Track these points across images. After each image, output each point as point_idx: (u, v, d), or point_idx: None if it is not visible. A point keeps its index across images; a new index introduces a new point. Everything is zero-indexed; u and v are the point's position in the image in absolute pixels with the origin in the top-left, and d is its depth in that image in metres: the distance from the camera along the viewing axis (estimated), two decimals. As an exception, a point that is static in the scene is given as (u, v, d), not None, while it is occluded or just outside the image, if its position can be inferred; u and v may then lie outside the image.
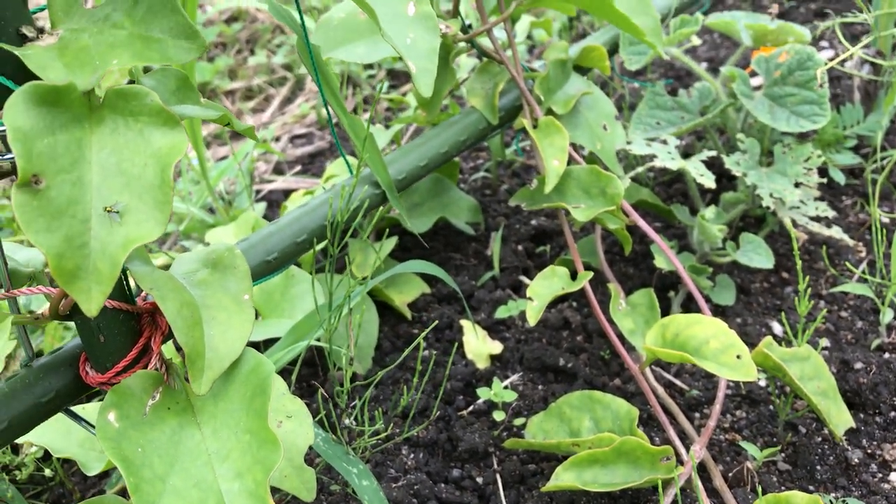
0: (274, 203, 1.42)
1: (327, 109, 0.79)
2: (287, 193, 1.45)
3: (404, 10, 0.64)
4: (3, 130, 0.48)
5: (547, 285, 0.80)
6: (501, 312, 0.99)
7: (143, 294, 0.63)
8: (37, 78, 0.46)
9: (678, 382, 0.92)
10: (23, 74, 0.47)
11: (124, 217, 0.45)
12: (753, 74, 1.16)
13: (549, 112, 0.92)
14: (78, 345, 0.61)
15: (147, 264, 0.58)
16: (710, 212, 0.93)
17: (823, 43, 1.53)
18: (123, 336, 0.58)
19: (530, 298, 0.79)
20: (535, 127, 0.89)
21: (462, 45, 0.92)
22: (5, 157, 0.50)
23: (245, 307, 0.60)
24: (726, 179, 1.17)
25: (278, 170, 1.55)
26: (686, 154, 1.23)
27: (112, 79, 0.51)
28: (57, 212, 0.44)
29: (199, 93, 0.62)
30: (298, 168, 1.55)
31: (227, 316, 0.59)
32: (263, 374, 0.57)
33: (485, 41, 0.96)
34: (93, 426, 0.59)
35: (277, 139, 1.66)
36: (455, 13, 0.90)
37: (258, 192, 1.45)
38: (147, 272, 0.57)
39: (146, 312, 0.60)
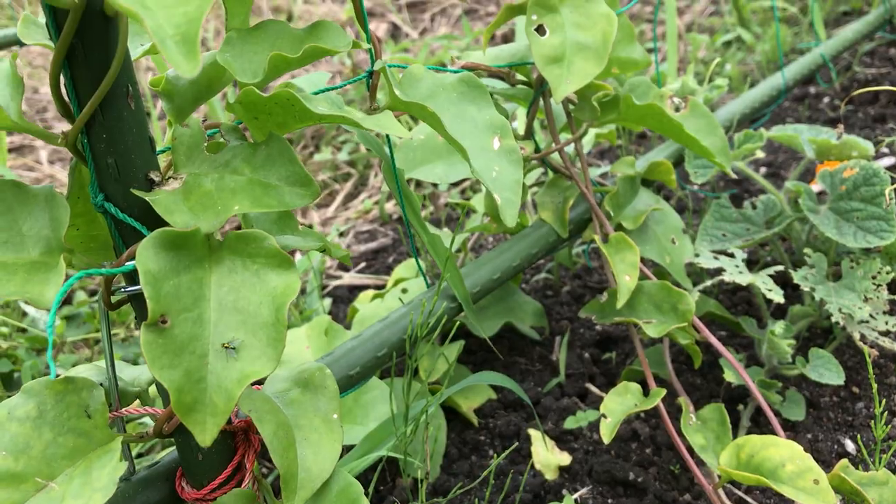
0: (339, 299, 1.45)
1: (408, 227, 0.83)
2: (352, 289, 1.49)
3: (490, 144, 0.67)
4: (127, 267, 0.52)
5: (620, 402, 0.81)
6: (570, 423, 1.00)
7: (235, 410, 0.66)
8: (163, 220, 0.50)
9: (749, 500, 0.91)
10: (151, 217, 0.51)
11: (240, 353, 0.48)
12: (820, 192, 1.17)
13: (619, 227, 0.95)
14: (174, 459, 0.64)
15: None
16: (779, 327, 0.94)
17: (884, 149, 1.54)
18: (219, 453, 0.61)
19: (604, 415, 0.80)
20: (605, 242, 0.91)
21: (534, 162, 0.96)
22: (127, 289, 0.54)
23: (334, 427, 0.63)
24: (790, 288, 1.18)
25: (343, 265, 1.59)
26: (750, 261, 1.25)
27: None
28: (179, 348, 0.47)
29: (296, 219, 0.66)
30: (363, 264, 1.59)
31: (318, 436, 0.61)
32: (353, 495, 0.59)
33: (554, 156, 0.99)
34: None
35: (343, 234, 1.71)
36: (528, 135, 0.94)
37: (324, 287, 1.49)
38: (246, 393, 0.60)
39: (241, 430, 0.63)
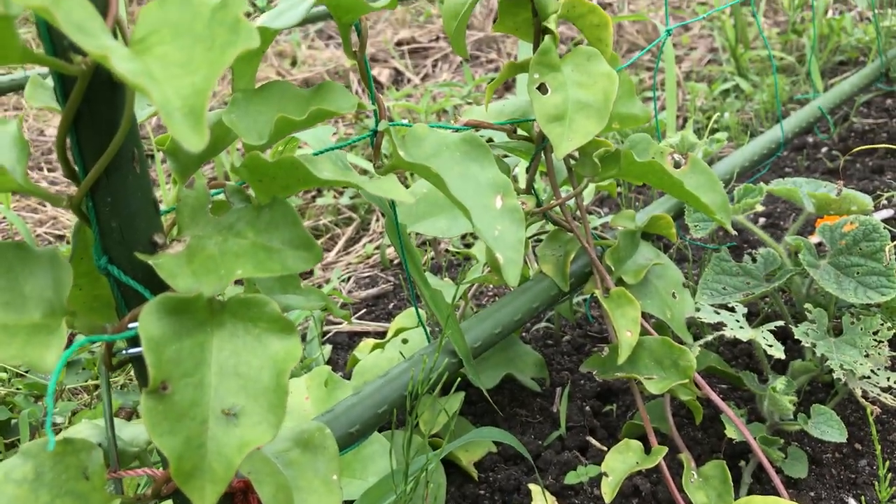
0: (339, 346, 1.45)
1: (410, 281, 0.83)
2: (352, 336, 1.49)
3: (493, 203, 0.68)
4: (128, 331, 0.52)
5: (622, 460, 0.81)
6: (571, 478, 0.99)
7: (234, 469, 0.65)
8: (166, 284, 0.50)
9: (752, 559, 0.89)
10: (154, 279, 0.51)
11: (240, 419, 0.48)
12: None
13: (620, 281, 0.95)
14: (172, 519, 0.63)
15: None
16: (780, 384, 0.94)
17: (883, 201, 1.55)
18: (217, 515, 0.60)
19: (605, 473, 0.79)
20: (606, 296, 0.91)
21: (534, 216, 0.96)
22: (128, 351, 0.54)
23: (333, 489, 0.62)
24: (791, 340, 1.17)
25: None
26: (750, 312, 1.24)
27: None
28: (179, 415, 0.47)
29: (298, 277, 0.66)
30: (364, 310, 1.58)
31: (317, 498, 0.61)
32: (351, 561, 0.58)
33: (555, 209, 1.00)
34: None
35: (344, 280, 1.71)
36: (529, 189, 0.95)
37: (324, 333, 1.48)
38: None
39: (239, 491, 0.62)
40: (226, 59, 0.41)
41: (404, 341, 1.11)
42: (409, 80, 3.00)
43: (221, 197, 0.57)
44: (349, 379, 1.16)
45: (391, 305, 1.60)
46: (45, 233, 1.97)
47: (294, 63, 3.06)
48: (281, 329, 0.50)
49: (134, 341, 0.54)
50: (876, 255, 1.01)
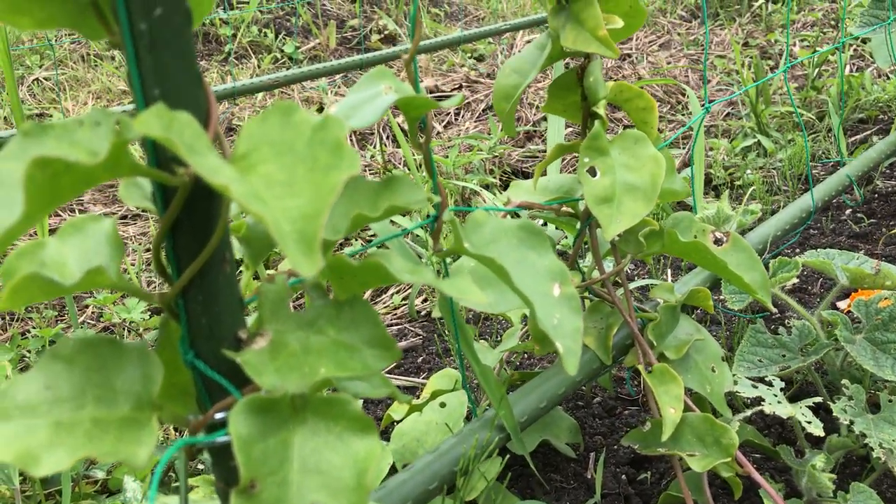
0: (371, 400, 1.46)
1: (460, 357, 0.84)
2: (382, 392, 1.50)
3: (551, 291, 0.70)
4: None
5: (666, 540, 0.81)
6: (610, 551, 1.00)
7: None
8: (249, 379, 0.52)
9: None
10: (238, 373, 0.53)
11: (322, 517, 0.50)
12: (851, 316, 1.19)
13: (661, 356, 0.97)
14: None
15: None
16: (819, 461, 0.95)
17: (910, 267, 1.56)
18: None
19: (651, 554, 0.80)
20: (649, 372, 0.93)
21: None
22: (213, 443, 0.55)
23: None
24: (824, 411, 1.18)
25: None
26: (783, 379, 1.25)
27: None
28: (266, 512, 0.49)
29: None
30: (392, 364, 1.60)
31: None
32: None
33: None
34: None
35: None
36: (573, 265, 0.97)
37: (354, 389, 1.49)
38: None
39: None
40: (330, 182, 0.44)
41: (442, 405, 1.13)
42: (432, 128, 3.03)
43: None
44: (384, 438, 1.18)
45: (420, 359, 1.62)
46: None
47: (321, 110, 3.10)
48: (361, 428, 0.51)
49: (212, 429, 0.56)
50: (912, 332, 1.02)
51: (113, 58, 3.59)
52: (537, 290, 0.69)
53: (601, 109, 0.88)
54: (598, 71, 0.87)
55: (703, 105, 1.16)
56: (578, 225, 0.97)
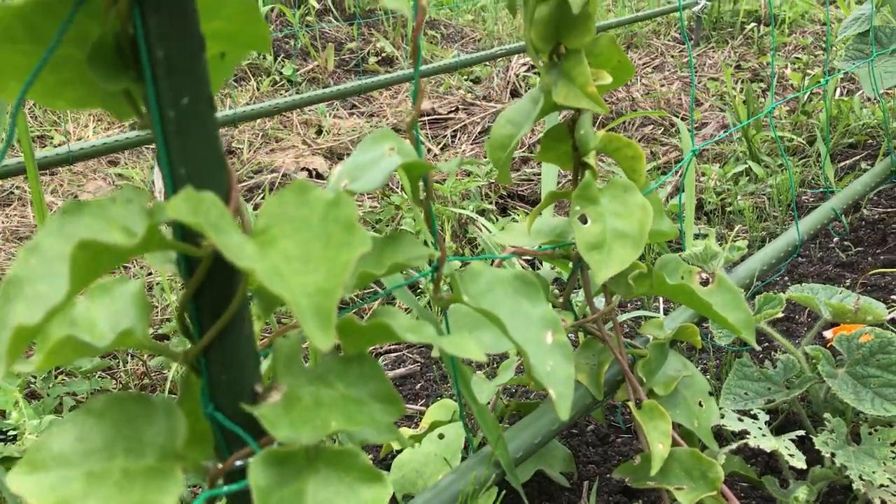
0: (370, 429, 1.50)
1: (458, 396, 0.89)
2: (381, 418, 1.54)
3: (544, 339, 0.74)
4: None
5: (655, 571, 0.86)
6: (602, 579, 1.04)
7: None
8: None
9: None
10: (255, 425, 0.58)
11: (334, 561, 0.54)
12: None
13: (651, 392, 1.01)
14: None
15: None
16: (802, 493, 0.99)
17: (894, 296, 1.61)
18: None
19: (640, 585, 0.84)
20: (639, 408, 0.97)
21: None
22: (230, 490, 0.60)
23: None
24: (808, 440, 1.23)
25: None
26: (769, 411, 1.30)
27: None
28: (281, 558, 0.53)
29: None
30: (397, 418, 1.64)
31: None
32: None
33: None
34: None
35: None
36: (566, 305, 1.02)
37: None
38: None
39: None
40: (342, 259, 0.48)
41: (440, 436, 1.17)
42: (428, 150, 3.08)
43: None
44: (384, 466, 1.22)
45: (418, 386, 1.66)
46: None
47: (319, 132, 3.15)
48: (371, 479, 0.56)
49: (230, 478, 0.60)
50: (892, 367, 1.07)
51: (114, 80, 3.63)
52: (531, 339, 0.74)
53: (591, 160, 0.92)
54: (588, 124, 0.92)
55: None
56: (571, 265, 1.02)
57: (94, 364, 1.67)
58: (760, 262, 1.33)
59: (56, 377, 1.66)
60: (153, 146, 2.53)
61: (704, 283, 1.01)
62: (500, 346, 0.94)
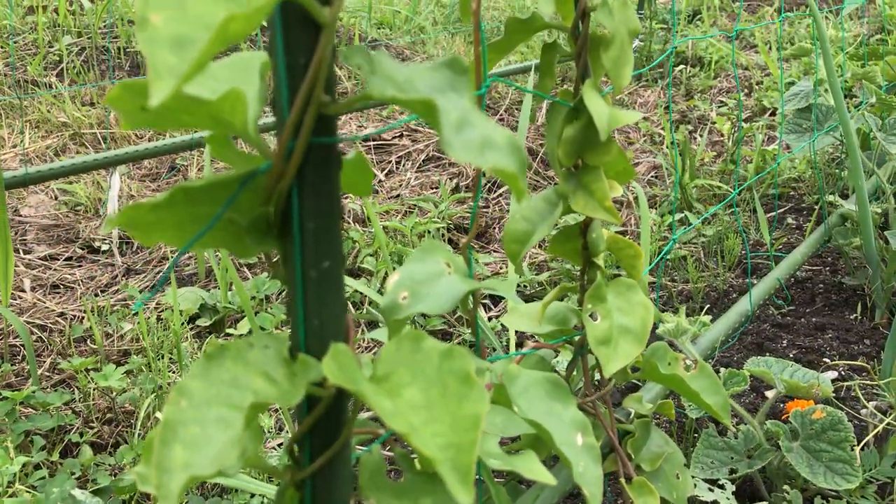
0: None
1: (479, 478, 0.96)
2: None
3: (575, 440, 0.83)
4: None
5: None
6: None
7: None
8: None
9: None
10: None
11: None
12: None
13: (638, 468, 1.11)
14: None
15: None
16: (767, 560, 1.11)
17: (826, 359, 1.77)
18: None
19: None
20: (629, 484, 1.07)
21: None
22: None
23: None
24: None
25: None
26: (731, 470, 1.43)
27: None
28: None
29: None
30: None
31: None
32: None
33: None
34: None
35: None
36: (568, 376, 1.11)
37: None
38: None
39: None
40: (464, 412, 0.55)
41: None
42: (374, 176, 3.14)
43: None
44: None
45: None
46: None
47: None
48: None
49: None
50: (841, 444, 1.20)
51: (50, 86, 3.55)
52: (564, 440, 0.82)
53: (600, 261, 1.02)
54: (599, 228, 1.01)
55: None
56: (572, 350, 1.11)
57: (61, 398, 1.66)
58: (720, 332, 1.46)
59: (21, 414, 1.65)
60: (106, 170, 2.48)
61: (687, 368, 1.11)
62: (514, 429, 1.02)
